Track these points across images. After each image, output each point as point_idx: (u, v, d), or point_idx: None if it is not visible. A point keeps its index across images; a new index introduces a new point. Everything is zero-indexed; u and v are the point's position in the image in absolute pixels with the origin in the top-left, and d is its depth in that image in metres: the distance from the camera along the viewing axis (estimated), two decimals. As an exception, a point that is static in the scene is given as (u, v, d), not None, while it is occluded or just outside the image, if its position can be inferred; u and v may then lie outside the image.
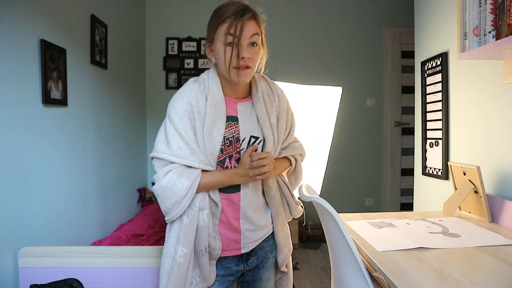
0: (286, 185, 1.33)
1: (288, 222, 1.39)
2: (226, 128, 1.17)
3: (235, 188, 1.21)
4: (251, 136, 1.21)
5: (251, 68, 1.14)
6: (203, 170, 1.16)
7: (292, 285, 1.43)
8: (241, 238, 1.24)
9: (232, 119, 1.19)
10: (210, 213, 1.19)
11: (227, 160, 1.19)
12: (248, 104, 1.23)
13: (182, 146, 1.13)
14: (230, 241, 1.23)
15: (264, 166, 1.14)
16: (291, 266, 1.43)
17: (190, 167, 1.14)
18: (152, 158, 1.18)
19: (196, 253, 1.19)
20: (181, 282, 1.18)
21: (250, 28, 1.11)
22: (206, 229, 1.17)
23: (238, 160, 1.20)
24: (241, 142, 1.19)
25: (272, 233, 1.34)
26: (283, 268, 1.37)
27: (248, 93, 1.25)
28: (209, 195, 1.18)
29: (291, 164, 1.33)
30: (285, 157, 1.31)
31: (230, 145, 1.18)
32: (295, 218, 1.39)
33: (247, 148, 1.20)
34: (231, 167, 1.20)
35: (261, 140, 1.22)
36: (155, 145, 1.17)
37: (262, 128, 1.21)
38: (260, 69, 1.24)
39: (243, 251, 1.25)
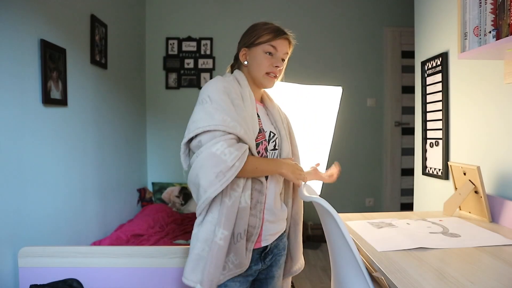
0: None
1: None
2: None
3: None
4: (270, 131, 1.31)
5: (277, 78, 1.32)
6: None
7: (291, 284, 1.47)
8: (262, 230, 1.26)
9: None
10: (253, 193, 1.21)
11: (260, 145, 1.25)
12: (263, 108, 1.37)
13: (226, 119, 1.14)
14: None
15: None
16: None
17: (239, 141, 1.16)
18: (192, 140, 1.17)
19: (234, 237, 1.17)
20: (219, 266, 1.15)
21: (286, 46, 1.32)
22: (247, 210, 1.18)
23: (266, 149, 1.27)
24: (264, 133, 1.28)
25: (286, 232, 1.40)
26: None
27: (261, 101, 1.39)
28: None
29: None
30: None
31: (260, 132, 1.26)
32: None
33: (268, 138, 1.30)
34: (262, 153, 1.25)
35: (277, 137, 1.32)
36: (193, 125, 1.15)
37: (279, 129, 1.34)
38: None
39: (263, 244, 1.27)
